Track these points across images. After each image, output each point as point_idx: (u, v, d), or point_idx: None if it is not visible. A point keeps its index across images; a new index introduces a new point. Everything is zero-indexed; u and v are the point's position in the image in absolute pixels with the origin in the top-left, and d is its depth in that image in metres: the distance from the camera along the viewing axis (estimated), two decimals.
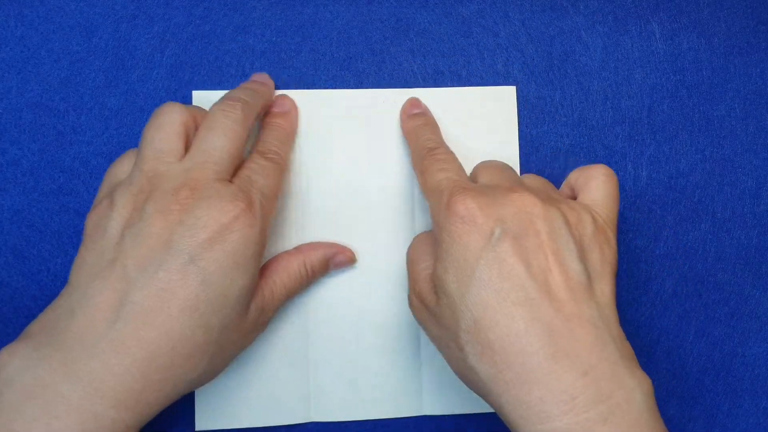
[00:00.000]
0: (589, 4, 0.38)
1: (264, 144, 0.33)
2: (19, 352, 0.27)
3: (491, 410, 0.35)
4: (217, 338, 0.28)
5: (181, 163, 0.29)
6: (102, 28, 0.36)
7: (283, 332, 0.35)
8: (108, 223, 0.28)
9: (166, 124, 0.30)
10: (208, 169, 0.29)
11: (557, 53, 0.38)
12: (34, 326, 0.28)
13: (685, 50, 0.38)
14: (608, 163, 0.37)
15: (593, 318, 0.27)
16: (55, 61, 0.36)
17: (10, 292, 0.35)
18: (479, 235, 0.27)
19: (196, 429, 0.35)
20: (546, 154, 0.37)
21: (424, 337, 0.35)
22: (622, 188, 0.37)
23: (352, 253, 0.35)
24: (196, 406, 0.35)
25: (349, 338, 0.35)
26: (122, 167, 0.31)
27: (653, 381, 0.27)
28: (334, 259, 0.35)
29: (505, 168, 0.32)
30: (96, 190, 0.34)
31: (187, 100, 0.36)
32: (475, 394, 0.35)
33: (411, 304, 0.31)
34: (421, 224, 0.36)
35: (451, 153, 0.33)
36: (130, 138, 0.36)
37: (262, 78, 0.35)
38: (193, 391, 0.34)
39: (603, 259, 0.29)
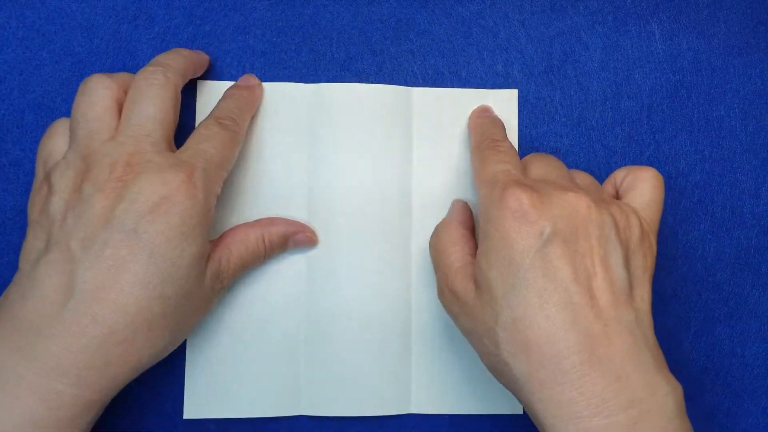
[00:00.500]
0: (588, 4, 0.38)
1: (220, 110, 0.33)
2: None
3: (480, 412, 0.35)
4: (175, 307, 0.28)
5: (115, 138, 0.29)
6: (103, 29, 0.36)
7: (276, 324, 0.35)
8: (49, 207, 0.29)
9: (98, 101, 0.30)
10: (142, 142, 0.29)
11: (557, 54, 0.38)
12: None
13: (684, 51, 0.38)
14: (608, 164, 0.37)
15: (631, 324, 0.27)
16: (57, 62, 0.36)
17: None
18: (529, 232, 0.27)
19: (185, 417, 0.35)
20: None
21: (415, 336, 0.36)
22: None
23: (314, 234, 0.35)
24: (185, 395, 0.35)
25: (341, 334, 0.35)
26: (55, 142, 0.31)
27: None
28: (294, 237, 0.35)
29: (557, 163, 0.32)
30: None
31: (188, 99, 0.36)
32: (466, 396, 0.35)
33: (441, 296, 0.31)
34: (417, 220, 0.36)
35: (514, 149, 0.33)
36: None
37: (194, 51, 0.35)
38: (183, 380, 0.35)
39: (645, 264, 0.29)
